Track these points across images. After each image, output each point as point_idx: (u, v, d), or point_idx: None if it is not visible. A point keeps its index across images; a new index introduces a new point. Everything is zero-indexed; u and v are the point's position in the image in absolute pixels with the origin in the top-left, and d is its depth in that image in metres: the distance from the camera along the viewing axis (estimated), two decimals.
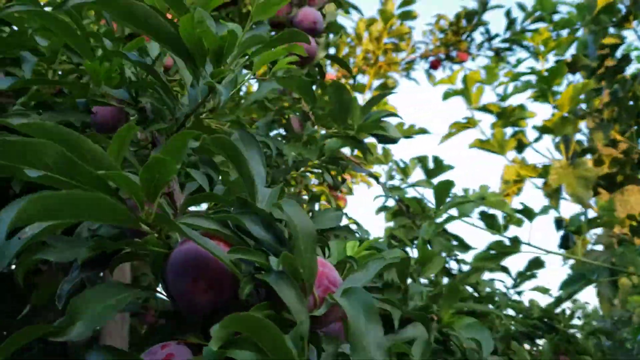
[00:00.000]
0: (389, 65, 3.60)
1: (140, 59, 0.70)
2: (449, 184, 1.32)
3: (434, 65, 3.72)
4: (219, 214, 0.56)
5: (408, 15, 3.46)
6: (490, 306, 1.82)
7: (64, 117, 0.89)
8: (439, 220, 1.35)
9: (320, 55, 1.48)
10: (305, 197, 2.02)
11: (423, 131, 2.55)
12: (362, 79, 3.63)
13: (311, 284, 0.52)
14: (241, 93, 1.74)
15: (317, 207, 2.37)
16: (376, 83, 3.64)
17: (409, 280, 1.33)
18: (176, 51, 0.66)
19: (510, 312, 2.25)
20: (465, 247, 2.18)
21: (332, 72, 3.51)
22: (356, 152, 2.66)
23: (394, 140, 1.39)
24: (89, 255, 0.54)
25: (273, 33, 1.43)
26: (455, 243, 2.24)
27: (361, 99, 3.62)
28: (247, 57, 0.75)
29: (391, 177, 2.34)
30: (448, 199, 1.68)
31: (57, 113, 0.87)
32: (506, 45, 3.50)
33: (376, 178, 2.22)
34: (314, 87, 1.52)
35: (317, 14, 1.48)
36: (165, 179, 0.47)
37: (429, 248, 1.38)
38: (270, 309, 0.50)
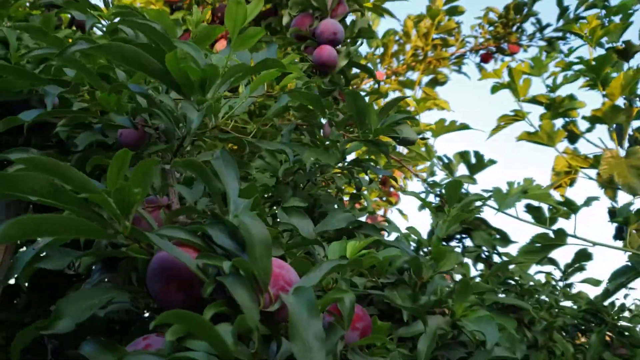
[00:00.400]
0: (439, 60, 3.61)
1: (141, 90, 0.81)
2: (458, 184, 1.36)
3: (485, 59, 3.70)
4: (193, 225, 0.65)
5: (455, 11, 3.46)
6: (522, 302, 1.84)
7: (98, 137, 1.01)
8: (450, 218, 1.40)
9: (341, 63, 1.56)
10: (346, 198, 2.10)
11: (465, 127, 2.57)
12: (412, 75, 3.66)
13: (266, 284, 0.61)
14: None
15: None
16: (426, 79, 3.67)
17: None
18: (166, 83, 0.76)
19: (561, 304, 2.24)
20: (506, 240, 2.20)
21: (382, 70, 3.57)
22: (398, 149, 2.71)
23: (411, 142, 1.45)
24: (89, 262, 0.64)
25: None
26: (497, 237, 2.27)
27: (416, 94, 3.65)
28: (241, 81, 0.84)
29: (432, 174, 2.37)
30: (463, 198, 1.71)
31: (93, 132, 1.00)
32: (559, 34, 3.43)
33: (416, 175, 2.27)
34: (336, 94, 1.60)
35: (337, 25, 1.55)
36: (133, 201, 0.57)
37: (444, 245, 1.43)
38: (227, 306, 0.59)
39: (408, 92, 3.62)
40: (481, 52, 3.71)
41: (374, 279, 1.28)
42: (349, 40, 2.11)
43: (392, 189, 3.46)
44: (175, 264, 0.61)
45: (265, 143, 1.32)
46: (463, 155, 2.40)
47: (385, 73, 3.62)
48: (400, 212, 3.40)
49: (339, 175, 1.69)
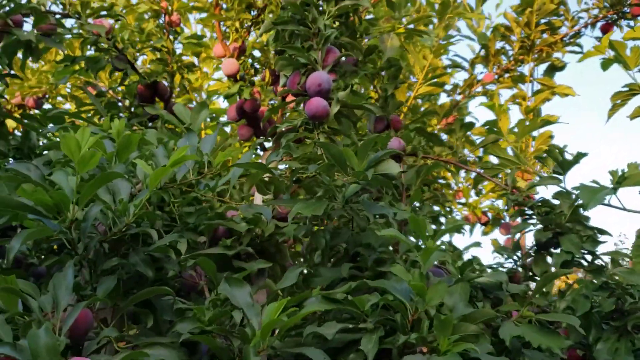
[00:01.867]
0: (550, 46, 3.34)
1: None
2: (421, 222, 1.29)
3: (605, 29, 3.32)
4: None
5: None
6: None
7: None
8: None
9: (334, 109, 1.61)
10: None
11: (548, 122, 2.36)
12: (523, 68, 3.43)
13: None
14: None
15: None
16: (542, 68, 3.41)
17: None
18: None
19: None
20: (595, 241, 1.99)
21: (487, 72, 3.40)
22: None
23: (392, 177, 1.45)
24: None
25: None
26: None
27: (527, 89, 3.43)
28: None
29: (515, 181, 2.23)
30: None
31: None
32: None
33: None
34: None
35: (321, 76, 1.62)
36: None
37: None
38: None
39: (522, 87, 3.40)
40: (600, 23, 3.35)
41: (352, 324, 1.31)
42: (383, 73, 2.14)
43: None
44: None
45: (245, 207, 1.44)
46: (550, 153, 2.21)
47: (495, 73, 3.45)
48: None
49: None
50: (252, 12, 2.35)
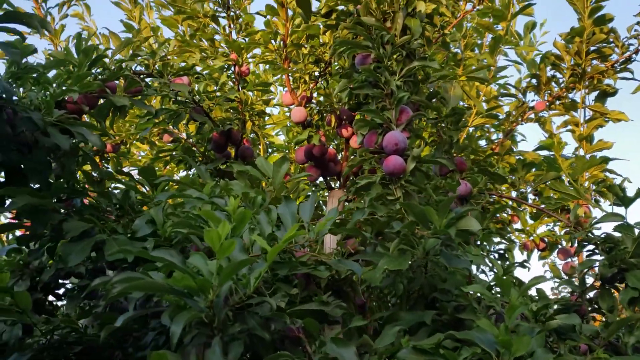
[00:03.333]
0: (601, 73, 3.41)
1: None
2: (505, 283, 1.40)
3: None
4: None
5: (602, 20, 3.27)
6: None
7: None
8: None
9: (410, 166, 1.75)
10: None
11: (606, 160, 2.44)
12: (575, 95, 3.51)
13: None
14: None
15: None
16: (593, 96, 3.48)
17: None
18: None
19: None
20: None
21: (537, 99, 3.49)
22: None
23: (473, 233, 1.58)
24: None
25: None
26: None
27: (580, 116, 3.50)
28: None
29: (577, 216, 2.32)
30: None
31: None
32: None
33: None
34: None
35: (397, 136, 1.76)
36: None
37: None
38: None
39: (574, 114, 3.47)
40: None
41: None
42: (443, 124, 2.26)
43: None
44: None
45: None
46: (612, 189, 2.30)
47: (546, 100, 3.53)
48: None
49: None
50: (319, 64, 2.52)
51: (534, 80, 3.54)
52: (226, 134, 2.73)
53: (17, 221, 1.96)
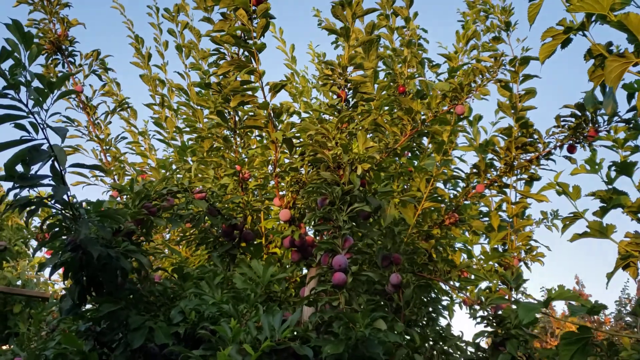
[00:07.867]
0: (529, 162, 4.35)
1: None
2: None
3: (571, 150, 4.29)
4: None
5: (526, 125, 4.23)
6: None
7: None
8: None
9: (349, 279, 2.72)
10: None
11: (501, 254, 3.40)
12: (507, 180, 4.46)
13: None
14: None
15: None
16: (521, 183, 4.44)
17: None
18: None
19: None
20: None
21: (478, 182, 4.45)
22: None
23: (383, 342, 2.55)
24: None
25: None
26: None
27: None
28: None
29: (479, 296, 3.28)
30: None
31: None
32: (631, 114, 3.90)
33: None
34: None
35: (340, 259, 2.73)
36: None
37: None
38: None
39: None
40: (566, 144, 4.31)
41: None
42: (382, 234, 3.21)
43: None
44: None
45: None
46: (504, 276, 3.26)
47: (485, 184, 4.47)
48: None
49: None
50: (298, 184, 3.51)
51: (475, 170, 4.49)
52: (232, 225, 3.71)
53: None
